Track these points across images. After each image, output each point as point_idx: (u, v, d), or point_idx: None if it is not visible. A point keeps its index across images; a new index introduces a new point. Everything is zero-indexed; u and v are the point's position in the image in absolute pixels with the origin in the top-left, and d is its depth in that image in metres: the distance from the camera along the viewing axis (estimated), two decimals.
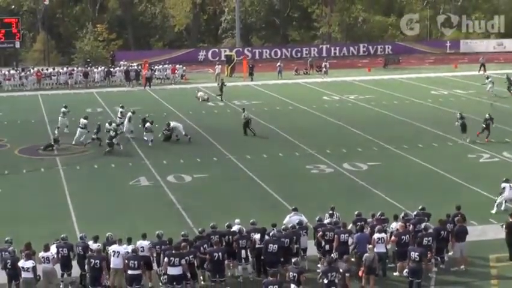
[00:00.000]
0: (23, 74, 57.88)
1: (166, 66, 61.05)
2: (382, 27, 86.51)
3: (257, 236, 20.11)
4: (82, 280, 19.59)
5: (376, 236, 19.85)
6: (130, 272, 18.59)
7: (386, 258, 20.09)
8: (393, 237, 20.09)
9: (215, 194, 28.04)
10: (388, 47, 78.49)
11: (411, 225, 20.69)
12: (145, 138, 36.03)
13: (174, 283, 18.50)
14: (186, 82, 59.77)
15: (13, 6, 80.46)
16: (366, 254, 19.15)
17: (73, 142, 36.37)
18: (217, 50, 76.20)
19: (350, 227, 20.65)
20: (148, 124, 36.24)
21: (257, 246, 19.97)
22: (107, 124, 36.26)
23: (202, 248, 19.38)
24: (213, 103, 48.97)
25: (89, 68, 60.57)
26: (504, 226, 21.26)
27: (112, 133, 34.89)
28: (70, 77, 57.50)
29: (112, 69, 59.89)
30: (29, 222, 24.76)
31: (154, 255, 19.53)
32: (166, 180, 29.83)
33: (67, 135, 37.50)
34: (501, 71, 56.40)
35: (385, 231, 20.27)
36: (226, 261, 19.54)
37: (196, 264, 19.18)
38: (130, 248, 18.99)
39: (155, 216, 24.97)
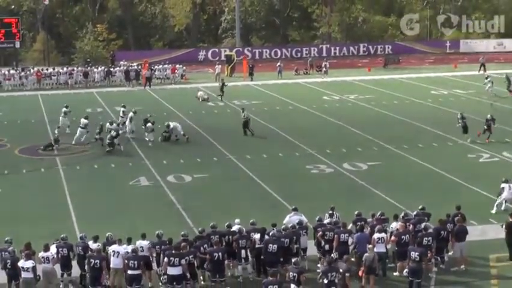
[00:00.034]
0: (23, 73, 57.89)
1: (166, 66, 61.04)
2: (382, 27, 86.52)
3: (257, 236, 20.11)
4: (81, 280, 19.59)
5: (376, 235, 19.85)
6: (129, 272, 18.59)
7: (386, 258, 20.09)
8: (393, 237, 20.09)
9: (215, 194, 28.04)
10: (388, 47, 78.50)
11: (411, 225, 20.69)
12: (146, 139, 36.00)
13: (174, 283, 18.50)
14: (186, 82, 59.77)
15: (13, 6, 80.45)
16: (366, 254, 19.15)
17: (73, 142, 36.38)
18: (217, 50, 76.20)
19: (349, 227, 20.65)
20: (149, 124, 36.22)
21: (257, 246, 19.97)
22: (108, 124, 36.26)
23: (202, 248, 19.37)
24: (213, 103, 48.96)
25: (89, 68, 60.56)
26: (504, 226, 21.26)
27: (113, 133, 34.88)
28: (70, 77, 57.50)
29: (112, 69, 59.89)
30: (29, 222, 24.76)
31: (154, 255, 19.54)
32: (166, 180, 29.83)
33: (67, 135, 37.50)
34: (501, 71, 56.40)
35: (385, 231, 20.26)
36: (226, 261, 19.55)
37: (196, 264, 19.18)
38: (130, 248, 18.99)
39: (155, 216, 24.96)
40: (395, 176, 30.30)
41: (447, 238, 20.62)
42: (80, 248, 19.46)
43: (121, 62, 62.69)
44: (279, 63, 62.14)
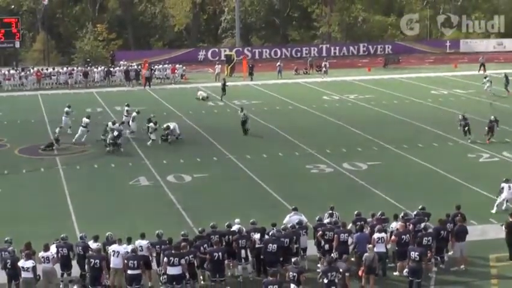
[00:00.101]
0: (23, 73, 57.86)
1: (166, 66, 61.02)
2: (382, 27, 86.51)
3: (257, 236, 20.11)
4: (77, 281, 19.54)
5: (376, 235, 19.85)
6: (129, 271, 18.59)
7: (386, 258, 20.09)
8: (393, 237, 20.09)
9: (215, 194, 28.04)
10: (388, 47, 78.49)
11: (411, 225, 20.69)
12: (152, 138, 35.83)
13: (174, 283, 18.50)
14: (186, 82, 59.76)
15: (13, 6, 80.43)
16: (366, 254, 19.15)
17: (73, 140, 36.37)
18: (217, 49, 76.18)
19: (349, 226, 20.65)
20: (151, 124, 36.15)
21: (257, 246, 19.98)
22: (110, 124, 36.10)
23: (202, 248, 19.37)
24: (213, 103, 48.97)
25: (89, 67, 60.55)
26: (504, 226, 21.26)
27: (115, 133, 34.87)
28: (69, 77, 57.48)
29: (111, 69, 59.88)
30: (29, 222, 24.76)
31: (154, 254, 19.54)
32: (166, 180, 29.83)
33: (67, 135, 37.46)
34: (501, 71, 56.35)
35: (385, 231, 20.26)
36: (226, 261, 19.55)
37: (196, 264, 19.18)
38: (130, 248, 18.99)
39: (155, 216, 24.96)
40: (395, 176, 30.30)
41: (447, 238, 20.62)
42: (80, 247, 19.46)
43: (121, 62, 62.67)
44: (278, 63, 62.13)
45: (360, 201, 25.89)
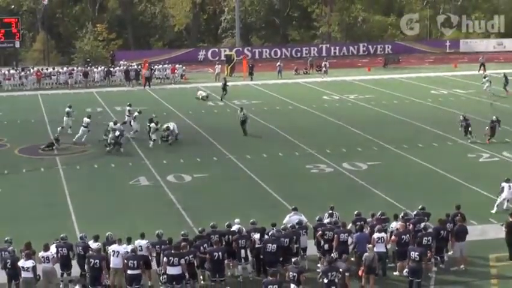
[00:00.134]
0: (22, 73, 57.86)
1: (166, 66, 61.01)
2: (382, 27, 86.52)
3: (257, 236, 20.12)
4: (79, 281, 19.54)
5: (376, 235, 19.85)
6: (129, 271, 18.59)
7: (385, 257, 20.09)
8: (393, 237, 20.08)
9: (215, 194, 28.05)
10: (388, 47, 78.50)
11: (411, 225, 20.69)
12: (152, 139, 35.79)
13: (174, 283, 18.50)
14: (186, 82, 59.76)
15: (13, 6, 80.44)
16: (366, 254, 19.15)
17: (74, 140, 36.38)
18: (217, 49, 76.19)
19: (349, 226, 20.65)
20: (152, 124, 36.10)
21: (257, 245, 19.98)
22: (111, 123, 36.03)
23: (202, 248, 19.37)
24: (213, 103, 48.98)
25: (89, 67, 60.55)
26: (504, 226, 21.26)
27: (116, 133, 34.86)
28: (69, 77, 57.47)
29: (111, 69, 59.88)
30: (29, 222, 24.77)
31: (154, 254, 19.54)
32: (166, 180, 29.83)
33: (68, 135, 37.47)
34: (501, 71, 56.35)
35: (385, 231, 20.26)
36: (226, 261, 19.55)
37: (196, 264, 19.18)
38: (129, 248, 18.99)
39: (155, 216, 24.96)
40: (395, 175, 30.31)
41: (447, 238, 20.62)
42: (80, 247, 19.46)
43: (121, 62, 62.67)
44: (278, 63, 62.14)
45: (360, 201, 25.89)
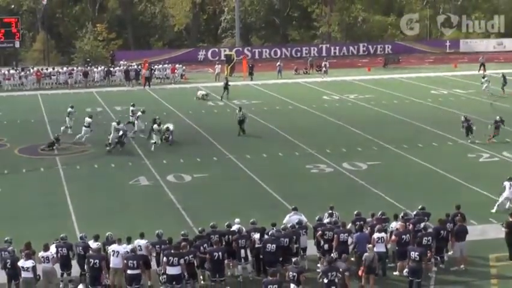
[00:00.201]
0: (22, 73, 57.85)
1: (166, 65, 61.01)
2: (382, 27, 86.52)
3: (257, 236, 20.12)
4: (81, 280, 19.54)
5: (376, 235, 19.84)
6: (129, 271, 18.59)
7: (385, 257, 20.09)
8: (393, 237, 20.08)
9: (215, 194, 28.04)
10: (388, 47, 78.49)
11: (410, 225, 20.69)
12: (152, 141, 35.71)
13: (173, 283, 18.49)
14: (186, 82, 59.76)
15: (13, 6, 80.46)
16: (366, 254, 19.14)
17: (75, 139, 36.36)
18: (216, 49, 76.19)
19: (349, 226, 20.65)
20: (155, 125, 36.04)
21: (257, 245, 19.98)
22: (115, 123, 35.95)
23: (202, 248, 19.37)
24: (213, 103, 48.98)
25: (88, 67, 60.55)
26: (504, 225, 21.25)
27: (120, 133, 34.84)
28: (69, 77, 57.46)
29: (111, 69, 59.88)
30: (29, 222, 24.77)
31: (154, 254, 19.54)
32: (166, 180, 29.83)
33: (68, 135, 37.50)
34: (501, 71, 56.38)
35: (385, 231, 20.26)
36: (226, 261, 19.55)
37: (196, 264, 19.18)
38: (129, 248, 18.99)
39: (155, 216, 24.96)
40: (394, 175, 30.31)
41: (447, 238, 20.62)
42: (80, 247, 19.45)
43: (121, 62, 62.66)
44: (278, 63, 62.14)
45: (360, 201, 25.89)
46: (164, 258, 18.53)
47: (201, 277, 19.74)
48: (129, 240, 19.40)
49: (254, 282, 19.62)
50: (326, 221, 21.14)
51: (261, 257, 19.84)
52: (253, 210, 24.33)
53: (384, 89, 53.77)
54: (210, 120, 42.74)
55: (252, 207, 25.36)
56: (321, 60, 65.57)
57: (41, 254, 18.92)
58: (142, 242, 19.50)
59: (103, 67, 60.39)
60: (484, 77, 51.03)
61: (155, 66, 60.69)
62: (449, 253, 20.97)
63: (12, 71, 58.27)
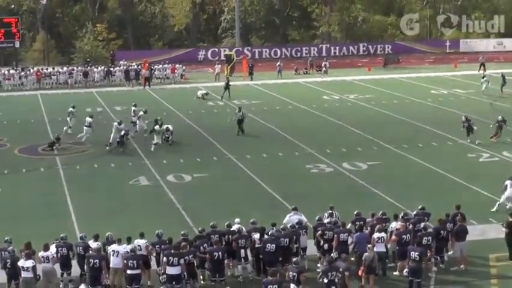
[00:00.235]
0: (22, 73, 57.86)
1: (166, 65, 61.01)
2: (382, 27, 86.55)
3: (257, 236, 20.12)
4: (81, 280, 19.53)
5: (376, 235, 19.84)
6: (129, 271, 18.59)
7: (385, 257, 20.09)
8: (394, 237, 20.08)
9: (215, 194, 28.04)
10: (388, 47, 78.50)
11: (410, 225, 20.69)
12: (154, 141, 35.69)
13: (173, 282, 18.49)
14: (186, 82, 59.76)
15: (13, 6, 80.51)
16: (366, 254, 19.14)
17: (77, 138, 36.38)
18: (216, 49, 76.19)
19: (348, 226, 20.64)
20: (157, 127, 36.01)
21: (257, 245, 19.98)
22: (116, 124, 35.95)
23: (202, 248, 19.38)
24: (213, 103, 48.98)
25: (88, 67, 60.56)
26: (504, 225, 21.25)
27: (122, 133, 34.85)
28: (69, 77, 57.47)
29: (111, 69, 59.89)
30: (29, 222, 24.77)
31: (154, 254, 19.55)
32: (166, 180, 29.83)
33: (67, 135, 37.50)
34: (501, 71, 56.37)
35: (385, 231, 20.26)
36: (226, 261, 19.55)
37: (196, 264, 19.19)
38: (129, 248, 19.00)
39: (155, 216, 24.95)
40: (394, 175, 30.30)
41: (447, 238, 20.62)
42: (80, 247, 19.45)
43: (121, 62, 62.67)
44: (278, 63, 62.14)
45: (360, 201, 25.88)
46: (164, 258, 18.53)
47: (201, 277, 19.74)
48: (129, 240, 19.40)
49: (254, 282, 19.62)
50: (326, 221, 21.15)
51: (261, 257, 19.84)
52: (253, 210, 24.33)
53: (384, 89, 53.77)
54: (210, 120, 42.74)
55: (252, 207, 25.36)
56: (321, 60, 65.59)
57: (41, 253, 18.92)
58: (142, 242, 19.50)
59: (103, 67, 60.40)
60: (483, 77, 51.00)
61: (155, 66, 60.69)
62: (449, 253, 20.97)
63: (12, 71, 58.27)
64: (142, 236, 19.71)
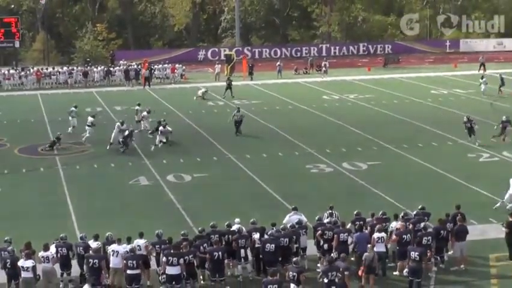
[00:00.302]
0: (22, 73, 57.88)
1: (166, 65, 61.01)
2: (382, 27, 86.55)
3: (257, 236, 20.12)
4: (81, 280, 19.55)
5: (376, 235, 19.84)
6: (129, 271, 18.59)
7: (385, 257, 20.09)
8: (394, 237, 20.08)
9: (215, 194, 28.04)
10: (388, 47, 78.51)
11: (410, 225, 20.68)
12: (157, 142, 35.62)
13: (173, 282, 18.49)
14: (186, 81, 59.77)
15: (13, 6, 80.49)
16: (366, 254, 19.14)
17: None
18: (216, 49, 76.19)
19: (348, 226, 20.64)
20: (160, 127, 35.94)
21: (257, 245, 19.98)
22: (118, 123, 35.91)
23: (202, 248, 19.37)
24: (213, 103, 48.97)
25: (88, 67, 60.55)
26: (504, 225, 21.25)
27: (125, 133, 34.83)
28: (69, 77, 57.48)
29: (111, 69, 59.89)
30: (28, 222, 24.76)
31: (154, 254, 19.55)
32: (165, 180, 29.82)
33: (68, 135, 37.49)
34: (501, 70, 56.40)
35: (385, 231, 20.26)
36: (225, 261, 19.55)
37: (196, 264, 19.18)
38: (129, 248, 18.99)
39: (155, 216, 24.95)
40: (394, 175, 30.30)
41: (447, 238, 20.61)
42: (81, 248, 19.44)
43: (121, 62, 62.66)
44: (278, 63, 62.15)
45: (360, 201, 25.88)
46: (164, 258, 18.53)
47: (201, 277, 19.74)
48: (129, 240, 19.40)
49: (254, 282, 19.62)
50: (325, 220, 21.15)
51: (261, 256, 19.84)
52: (253, 210, 24.33)
53: (384, 89, 53.77)
54: (210, 120, 42.73)
55: (252, 207, 25.36)
56: (321, 60, 65.57)
57: (41, 253, 18.91)
58: (141, 242, 19.50)
59: (102, 67, 60.40)
60: (482, 77, 50.96)
61: (155, 66, 60.68)
62: (449, 253, 20.97)
63: (12, 71, 58.31)
64: (141, 236, 19.71)
